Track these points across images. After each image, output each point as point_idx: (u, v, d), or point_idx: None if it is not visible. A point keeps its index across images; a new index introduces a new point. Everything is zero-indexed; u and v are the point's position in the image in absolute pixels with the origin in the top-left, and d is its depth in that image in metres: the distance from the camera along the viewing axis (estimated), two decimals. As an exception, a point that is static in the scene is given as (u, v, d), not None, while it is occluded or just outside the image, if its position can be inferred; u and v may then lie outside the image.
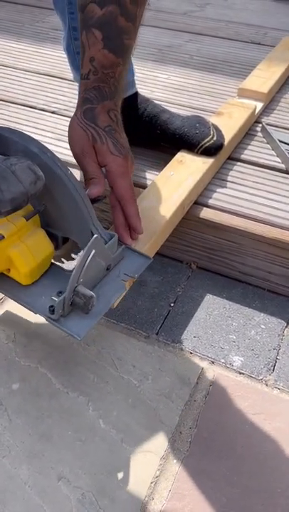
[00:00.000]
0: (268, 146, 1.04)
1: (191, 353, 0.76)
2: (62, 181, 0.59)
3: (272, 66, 1.25)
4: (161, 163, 0.94)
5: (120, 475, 0.61)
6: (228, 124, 0.99)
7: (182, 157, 0.91)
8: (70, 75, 1.23)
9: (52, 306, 0.58)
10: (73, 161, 0.69)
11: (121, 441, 0.64)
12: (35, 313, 0.61)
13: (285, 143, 1.01)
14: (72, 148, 0.69)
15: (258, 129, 1.09)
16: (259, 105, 1.12)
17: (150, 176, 0.93)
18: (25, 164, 0.55)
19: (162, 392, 0.70)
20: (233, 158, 1.00)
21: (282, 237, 0.81)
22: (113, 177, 0.67)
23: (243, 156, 1.00)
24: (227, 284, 0.88)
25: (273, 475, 0.62)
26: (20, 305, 0.62)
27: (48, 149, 0.59)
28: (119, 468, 0.62)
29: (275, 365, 0.74)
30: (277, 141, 1.00)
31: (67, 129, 0.70)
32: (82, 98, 0.68)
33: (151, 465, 0.62)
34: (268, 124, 1.10)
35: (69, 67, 0.99)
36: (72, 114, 0.70)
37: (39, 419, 0.66)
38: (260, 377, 0.73)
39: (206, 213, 0.86)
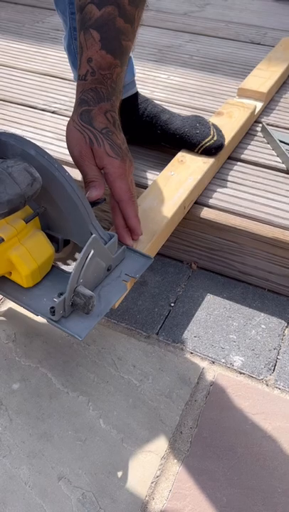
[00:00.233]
0: (268, 146, 1.04)
1: (191, 353, 0.76)
2: (60, 183, 0.59)
3: (271, 66, 1.25)
4: (161, 163, 0.94)
5: (121, 475, 0.61)
6: (228, 123, 0.99)
7: (183, 157, 0.91)
8: (71, 75, 1.24)
9: (53, 308, 0.58)
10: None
11: (121, 441, 0.64)
12: (37, 316, 0.61)
13: (285, 143, 1.01)
14: (70, 151, 0.69)
15: (258, 128, 1.09)
16: (259, 105, 1.12)
17: (151, 176, 0.93)
18: (21, 166, 0.56)
19: (163, 392, 0.70)
20: (233, 158, 1.00)
21: (282, 237, 0.81)
22: (111, 179, 0.67)
23: (243, 156, 1.00)
24: (227, 284, 0.88)
25: (274, 475, 0.62)
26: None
27: (45, 152, 0.59)
28: (120, 468, 0.62)
29: (275, 365, 0.74)
30: (278, 141, 1.00)
31: (67, 129, 0.70)
32: (79, 99, 0.68)
33: (151, 465, 0.62)
34: (268, 124, 1.10)
35: (69, 67, 0.99)
36: (72, 114, 0.70)
37: (39, 419, 0.66)
38: (261, 377, 0.73)
39: (206, 213, 0.86)
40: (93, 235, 0.59)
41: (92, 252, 0.59)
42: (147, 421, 0.66)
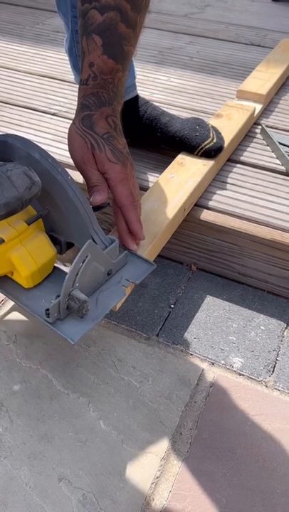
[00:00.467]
0: (268, 148, 1.04)
1: (191, 355, 0.76)
2: (63, 187, 0.59)
3: (270, 68, 1.25)
4: (161, 166, 0.94)
5: (121, 476, 0.61)
6: (228, 126, 0.99)
7: (182, 159, 0.91)
8: (71, 77, 1.24)
9: (48, 310, 0.59)
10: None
11: (121, 442, 0.64)
12: (34, 316, 0.62)
13: (285, 145, 1.01)
14: (72, 156, 0.69)
15: (258, 130, 1.10)
16: (258, 107, 1.12)
17: (151, 178, 0.93)
18: (20, 170, 0.56)
19: (163, 394, 0.70)
20: (232, 160, 1.00)
21: (281, 239, 0.81)
22: (112, 184, 0.67)
23: (242, 158, 1.01)
24: (227, 286, 0.89)
25: (273, 476, 0.62)
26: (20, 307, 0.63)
27: (50, 155, 0.60)
28: (120, 469, 0.62)
29: (274, 367, 0.75)
30: (277, 143, 1.01)
31: (67, 131, 0.71)
32: (81, 104, 0.69)
33: (151, 466, 0.62)
34: (267, 126, 1.10)
35: (69, 69, 0.99)
36: (72, 116, 0.70)
37: (40, 421, 0.66)
38: (260, 379, 0.73)
39: (206, 215, 0.86)
40: (89, 240, 0.59)
41: (89, 256, 0.60)
42: (147, 422, 0.67)
